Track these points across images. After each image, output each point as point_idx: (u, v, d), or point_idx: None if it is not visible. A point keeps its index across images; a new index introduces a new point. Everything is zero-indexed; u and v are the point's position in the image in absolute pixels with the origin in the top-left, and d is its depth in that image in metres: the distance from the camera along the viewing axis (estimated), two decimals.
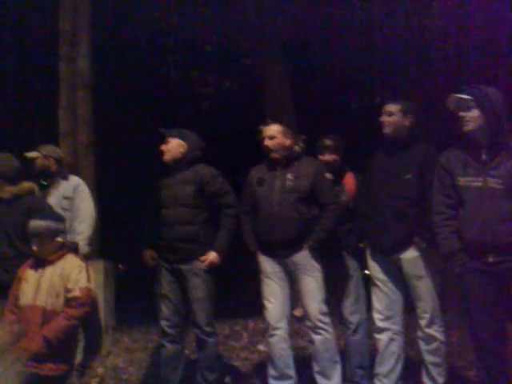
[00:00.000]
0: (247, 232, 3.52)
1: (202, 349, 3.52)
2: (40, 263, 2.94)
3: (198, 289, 3.46)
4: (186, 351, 4.48)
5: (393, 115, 3.31)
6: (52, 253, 2.93)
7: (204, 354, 3.51)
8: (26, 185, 3.25)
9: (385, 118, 3.33)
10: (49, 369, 2.80)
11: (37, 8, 6.37)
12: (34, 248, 2.90)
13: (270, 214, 3.36)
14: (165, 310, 3.52)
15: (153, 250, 3.59)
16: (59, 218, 3.07)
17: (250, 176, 3.57)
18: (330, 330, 3.37)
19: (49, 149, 4.03)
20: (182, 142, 3.55)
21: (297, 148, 3.48)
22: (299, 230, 3.35)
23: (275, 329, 3.41)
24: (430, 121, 5.09)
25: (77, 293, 2.86)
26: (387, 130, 3.34)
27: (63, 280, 2.89)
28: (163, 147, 3.58)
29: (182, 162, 3.54)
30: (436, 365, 3.28)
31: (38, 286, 2.88)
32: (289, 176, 3.40)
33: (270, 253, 3.43)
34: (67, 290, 2.88)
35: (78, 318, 2.85)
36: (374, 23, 6.18)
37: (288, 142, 3.45)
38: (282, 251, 3.39)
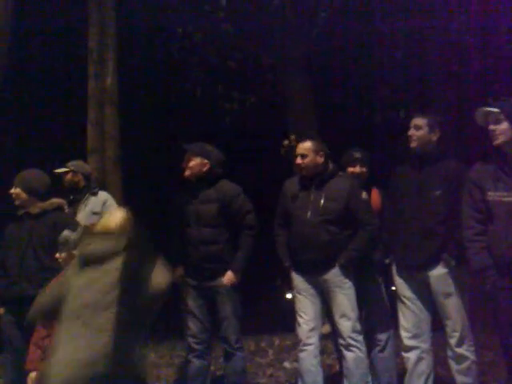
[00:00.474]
0: (281, 246, 3.50)
1: (230, 362, 3.51)
2: None
3: (226, 306, 3.46)
4: (212, 367, 4.48)
5: (420, 129, 3.26)
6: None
7: (232, 367, 3.50)
8: (55, 201, 3.32)
9: (412, 132, 3.26)
10: None
11: (66, 27, 6.55)
12: (57, 256, 2.95)
13: (302, 233, 3.34)
14: (192, 327, 3.51)
15: (181, 268, 3.57)
16: None
17: (284, 188, 3.54)
18: (363, 348, 3.33)
19: (77, 164, 4.11)
20: (204, 160, 3.52)
21: (331, 166, 3.44)
22: (331, 252, 3.33)
23: (305, 344, 3.39)
24: (457, 135, 5.03)
25: None
26: (414, 144, 3.27)
27: None
28: (185, 165, 3.55)
29: (204, 180, 3.53)
30: None
31: None
32: (323, 197, 3.35)
33: (302, 270, 3.42)
34: None
35: None
36: (397, 37, 6.14)
37: (320, 160, 3.40)
38: (313, 270, 3.38)
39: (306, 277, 3.42)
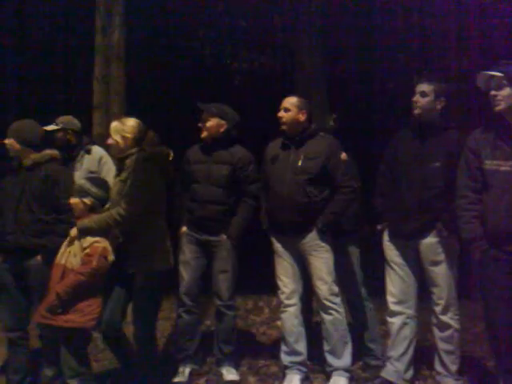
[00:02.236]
0: (263, 209, 3.52)
1: (220, 321, 3.59)
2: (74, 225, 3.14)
3: (225, 261, 3.51)
4: (208, 322, 4.59)
5: (426, 96, 3.16)
6: (80, 212, 3.11)
7: (222, 326, 3.59)
8: (48, 152, 3.33)
9: (417, 99, 3.17)
10: (63, 320, 2.98)
11: None
12: (70, 201, 3.13)
13: (280, 194, 3.33)
14: (185, 276, 3.55)
15: (184, 227, 3.60)
16: (98, 184, 3.20)
17: (266, 152, 3.53)
18: (341, 310, 3.37)
19: (67, 121, 3.99)
20: (222, 121, 3.49)
21: (312, 127, 3.41)
22: (308, 213, 3.31)
23: (287, 306, 3.45)
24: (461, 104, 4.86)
25: (88, 250, 3.01)
26: (418, 112, 3.18)
27: (81, 240, 3.05)
28: (202, 125, 3.51)
29: (220, 141, 3.51)
30: (449, 352, 3.23)
31: (66, 246, 3.09)
32: (301, 156, 3.33)
33: (280, 232, 3.43)
34: (83, 249, 3.02)
35: (84, 274, 2.98)
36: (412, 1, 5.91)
37: (302, 118, 3.37)
38: (290, 231, 3.38)
39: (284, 239, 3.44)
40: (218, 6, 6.13)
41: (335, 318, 3.34)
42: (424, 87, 3.17)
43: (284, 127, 3.39)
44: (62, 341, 3.04)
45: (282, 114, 3.38)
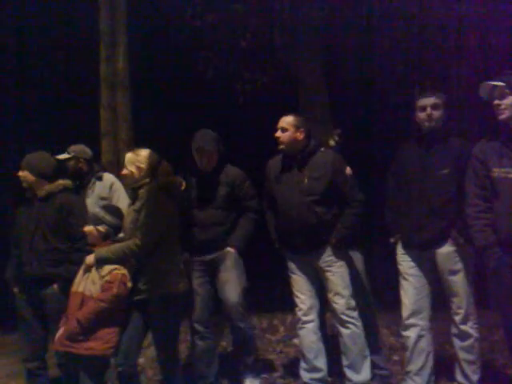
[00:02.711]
0: (271, 228, 3.55)
1: (237, 336, 3.58)
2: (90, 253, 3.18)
3: (229, 271, 3.51)
4: (224, 343, 4.58)
5: (439, 109, 3.19)
6: (95, 240, 3.18)
7: (240, 339, 3.58)
8: (61, 182, 3.39)
9: (431, 112, 3.18)
10: (83, 348, 3.00)
11: (79, 10, 6.59)
12: (85, 229, 3.21)
13: (289, 216, 3.34)
14: (195, 305, 3.56)
15: (186, 253, 3.60)
16: (112, 211, 3.28)
17: (267, 169, 3.54)
18: (358, 323, 3.35)
19: (78, 149, 4.06)
20: (217, 152, 3.55)
21: (312, 144, 3.40)
22: (318, 233, 3.33)
23: (304, 322, 3.45)
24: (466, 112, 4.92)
25: (108, 277, 3.04)
26: (432, 124, 3.19)
27: (98, 267, 3.08)
28: (201, 159, 3.52)
29: (215, 168, 3.58)
30: (470, 362, 3.21)
31: (82, 274, 3.13)
32: (306, 176, 3.33)
33: (293, 250, 3.44)
34: (101, 277, 3.05)
35: (105, 301, 3.01)
36: (411, 12, 6.01)
37: (300, 137, 3.36)
38: (303, 250, 3.39)
39: (298, 257, 3.44)
40: (219, 27, 6.24)
41: (353, 331, 3.33)
42: (434, 100, 3.20)
43: (282, 146, 3.38)
44: (82, 368, 3.06)
45: (279, 134, 3.37)
